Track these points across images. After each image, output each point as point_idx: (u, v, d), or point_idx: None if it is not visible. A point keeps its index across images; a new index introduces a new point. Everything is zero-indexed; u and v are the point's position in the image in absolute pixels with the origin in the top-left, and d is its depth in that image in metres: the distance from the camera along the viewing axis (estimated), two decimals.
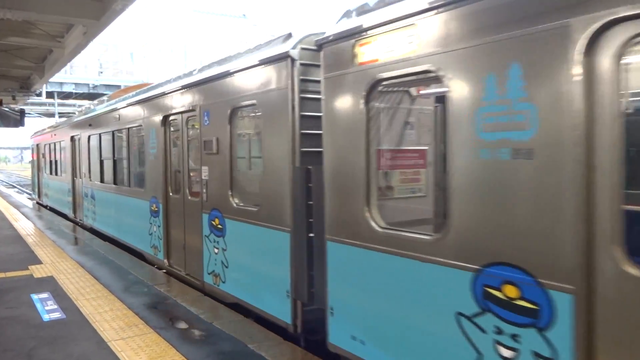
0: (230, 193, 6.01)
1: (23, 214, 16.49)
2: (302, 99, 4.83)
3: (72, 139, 14.49)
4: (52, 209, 17.99)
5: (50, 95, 36.29)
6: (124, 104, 9.94)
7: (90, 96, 35.33)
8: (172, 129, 7.93)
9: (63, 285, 7.19)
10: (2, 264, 8.61)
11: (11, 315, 5.87)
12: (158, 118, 8.08)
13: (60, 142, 16.33)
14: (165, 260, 8.10)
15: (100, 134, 11.67)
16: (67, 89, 36.43)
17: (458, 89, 3.17)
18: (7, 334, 5.27)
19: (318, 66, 4.64)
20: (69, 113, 35.02)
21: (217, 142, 6.21)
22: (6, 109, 19.27)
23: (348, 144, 4.08)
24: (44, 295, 6.68)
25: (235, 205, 5.93)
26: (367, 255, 3.95)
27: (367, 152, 3.93)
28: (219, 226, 6.25)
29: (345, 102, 4.12)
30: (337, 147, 4.21)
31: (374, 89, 3.90)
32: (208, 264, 6.60)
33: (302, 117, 4.84)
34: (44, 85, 28.68)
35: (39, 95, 31.14)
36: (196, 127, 6.92)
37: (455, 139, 3.19)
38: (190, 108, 6.96)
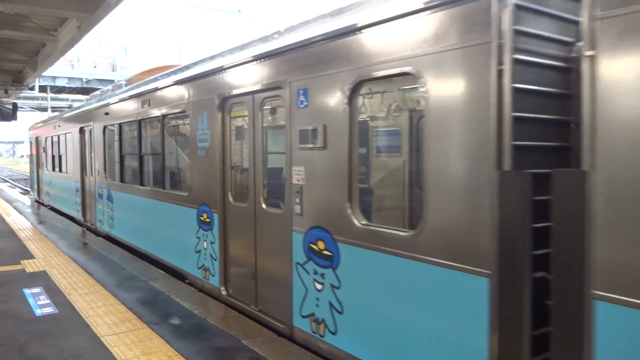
0: (349, 206, 4.27)
1: (16, 208, 16.40)
2: (516, 63, 3.09)
3: (82, 130, 12.70)
4: (53, 209, 16.37)
5: (43, 89, 36.07)
6: (155, 86, 8.09)
7: (84, 90, 35.17)
8: (233, 114, 6.17)
9: (56, 280, 7.17)
10: None
11: (3, 310, 5.82)
12: (213, 101, 6.21)
13: (65, 134, 14.32)
14: (222, 288, 6.25)
15: (120, 124, 9.84)
16: (60, 83, 36.21)
17: None
18: None
19: (537, 12, 3.21)
20: (61, 107, 34.84)
21: (324, 131, 4.49)
22: None
23: None
24: (37, 290, 6.63)
25: (359, 224, 4.19)
26: None
27: None
28: (326, 252, 4.55)
29: None
30: None
31: None
32: (302, 304, 4.85)
33: (516, 91, 3.11)
34: (37, 79, 28.50)
35: (32, 89, 30.93)
36: (279, 111, 5.31)
37: None
38: (272, 85, 5.20)
